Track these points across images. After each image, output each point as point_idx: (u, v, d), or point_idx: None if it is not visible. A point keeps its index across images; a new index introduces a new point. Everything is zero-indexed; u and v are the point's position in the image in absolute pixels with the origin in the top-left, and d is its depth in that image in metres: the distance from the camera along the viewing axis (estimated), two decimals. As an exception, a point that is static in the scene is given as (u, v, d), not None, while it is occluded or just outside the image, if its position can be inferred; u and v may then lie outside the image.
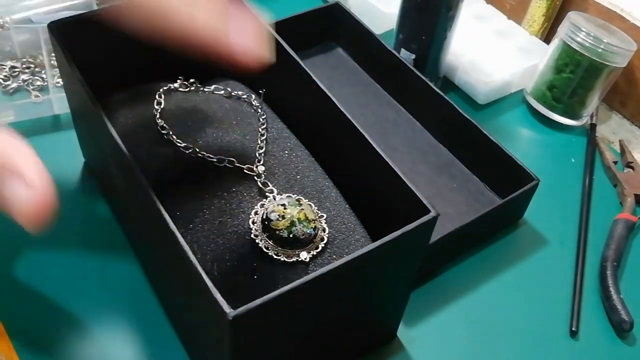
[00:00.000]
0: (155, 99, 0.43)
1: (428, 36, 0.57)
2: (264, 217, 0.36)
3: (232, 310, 0.27)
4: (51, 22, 0.41)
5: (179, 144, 0.40)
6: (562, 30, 0.57)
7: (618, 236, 0.50)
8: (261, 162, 0.40)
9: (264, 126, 0.43)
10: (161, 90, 0.44)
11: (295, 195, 0.37)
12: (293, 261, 0.35)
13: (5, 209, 0.30)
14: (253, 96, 0.46)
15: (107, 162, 0.41)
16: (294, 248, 0.35)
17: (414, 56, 0.59)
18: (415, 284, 0.46)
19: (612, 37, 0.56)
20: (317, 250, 0.36)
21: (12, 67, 0.56)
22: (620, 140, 0.60)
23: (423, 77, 0.56)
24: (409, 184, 0.34)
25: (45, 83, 0.55)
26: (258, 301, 0.28)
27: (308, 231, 0.35)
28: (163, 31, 0.32)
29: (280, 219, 0.35)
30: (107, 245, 0.46)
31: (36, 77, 0.56)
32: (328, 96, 0.39)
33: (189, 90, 0.45)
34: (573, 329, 0.45)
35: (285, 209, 0.36)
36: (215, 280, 0.35)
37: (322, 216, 0.38)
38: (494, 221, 0.49)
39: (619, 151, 0.60)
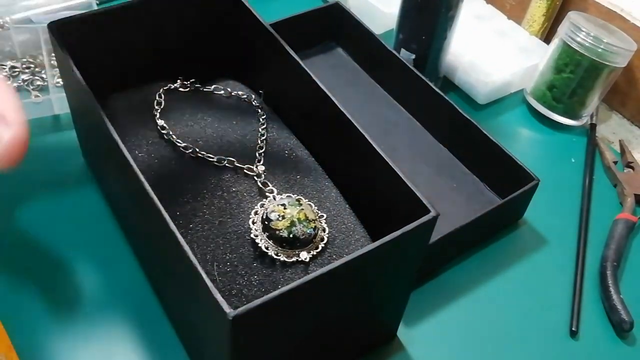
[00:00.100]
0: (156, 99, 0.43)
1: (428, 36, 0.57)
2: (264, 217, 0.36)
3: (232, 310, 0.27)
4: (51, 22, 0.41)
5: (179, 144, 0.40)
6: (562, 30, 0.57)
7: (618, 236, 0.50)
8: (261, 162, 0.40)
9: (264, 126, 0.43)
10: (161, 90, 0.44)
11: (295, 195, 0.38)
12: (293, 261, 0.35)
13: None
14: (253, 96, 0.46)
15: (107, 162, 0.42)
16: (294, 248, 0.35)
17: (414, 56, 0.59)
18: (415, 284, 0.46)
19: (612, 37, 0.56)
20: (317, 250, 0.36)
21: (12, 67, 0.56)
22: (620, 140, 0.60)
23: (423, 77, 0.56)
24: (409, 184, 0.34)
25: (45, 83, 0.55)
26: (258, 301, 0.28)
27: (308, 231, 0.35)
28: None
29: (280, 219, 0.35)
30: (107, 245, 0.46)
31: (36, 77, 0.56)
32: (328, 96, 0.39)
33: (189, 90, 0.45)
34: (573, 329, 0.45)
35: (285, 209, 0.36)
36: (215, 280, 0.35)
37: (322, 216, 0.38)
38: (494, 221, 0.49)
39: (619, 151, 0.60)
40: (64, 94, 0.49)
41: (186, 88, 0.45)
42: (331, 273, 0.30)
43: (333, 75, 0.61)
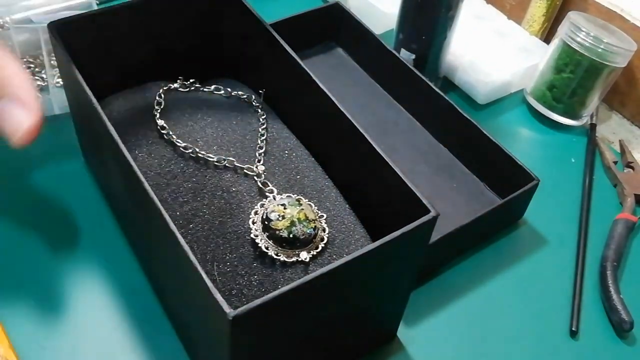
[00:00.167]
0: (156, 99, 0.43)
1: (428, 36, 0.57)
2: (264, 217, 0.36)
3: (232, 310, 0.27)
4: (51, 22, 0.41)
5: (179, 144, 0.40)
6: (562, 30, 0.57)
7: (618, 236, 0.50)
8: (261, 162, 0.40)
9: (264, 126, 0.43)
10: (161, 90, 0.44)
11: (295, 195, 0.38)
12: (293, 261, 0.35)
13: None
14: (253, 96, 0.46)
15: (106, 162, 0.41)
16: (294, 248, 0.35)
17: (414, 56, 0.59)
18: (415, 284, 0.46)
19: (612, 37, 0.56)
20: (317, 250, 0.36)
21: (12, 67, 0.56)
22: (620, 140, 0.60)
23: (423, 77, 0.56)
24: (409, 184, 0.34)
25: (45, 83, 0.55)
26: (258, 301, 0.28)
27: (308, 231, 0.35)
28: None
29: (280, 219, 0.35)
30: (107, 245, 0.46)
31: (36, 77, 0.56)
32: (328, 96, 0.39)
33: (189, 90, 0.45)
34: (573, 329, 0.45)
35: (285, 208, 0.36)
36: (215, 280, 0.35)
37: (322, 216, 0.38)
38: (494, 221, 0.49)
39: (619, 151, 0.60)
40: (64, 94, 0.49)
41: (186, 88, 0.45)
42: (331, 273, 0.30)
43: (333, 75, 0.61)
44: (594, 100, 0.59)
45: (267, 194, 0.38)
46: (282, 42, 0.42)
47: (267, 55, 0.44)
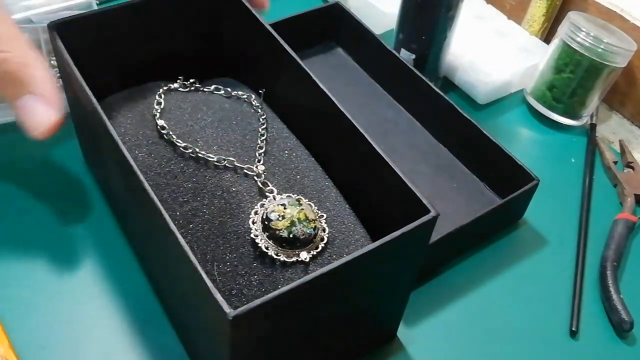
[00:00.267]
0: (156, 99, 0.43)
1: (428, 36, 0.57)
2: (264, 217, 0.36)
3: (232, 310, 0.27)
4: (51, 22, 0.41)
5: (178, 144, 0.40)
6: (562, 30, 0.57)
7: (618, 236, 0.50)
8: (261, 162, 0.40)
9: (264, 126, 0.43)
10: (161, 90, 0.44)
11: (295, 195, 0.38)
12: (293, 261, 0.35)
13: (21, 119, 0.36)
14: (253, 96, 0.46)
15: (106, 162, 0.42)
16: (294, 248, 0.35)
17: (414, 56, 0.59)
18: (415, 284, 0.46)
19: (612, 37, 0.56)
20: (317, 250, 0.36)
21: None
22: (620, 140, 0.60)
23: (423, 77, 0.56)
24: (409, 184, 0.34)
25: (45, 83, 0.55)
26: (258, 301, 0.28)
27: (308, 231, 0.35)
28: None
29: (280, 219, 0.35)
30: (107, 245, 0.46)
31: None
32: (328, 96, 0.39)
33: (189, 90, 0.45)
34: (573, 329, 0.45)
35: (285, 208, 0.36)
36: (215, 280, 0.35)
37: (322, 216, 0.38)
38: (494, 221, 0.49)
39: (619, 151, 0.60)
40: (64, 94, 0.49)
41: (186, 88, 0.45)
42: (331, 273, 0.30)
43: (333, 75, 0.61)
44: (594, 100, 0.59)
45: (267, 194, 0.38)
46: (282, 42, 0.42)
47: (267, 55, 0.44)
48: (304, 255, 0.35)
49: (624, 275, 0.49)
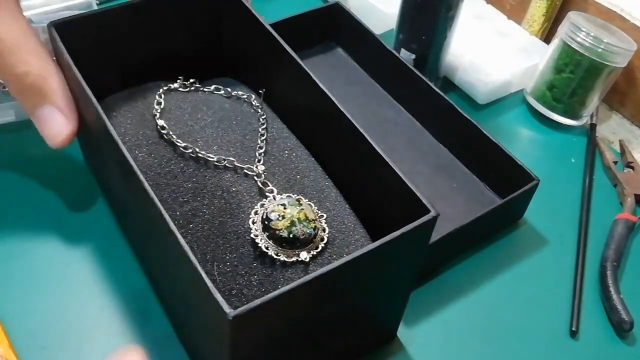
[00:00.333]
0: (156, 98, 0.43)
1: (428, 36, 0.57)
2: (264, 216, 0.36)
3: (232, 310, 0.27)
4: (51, 22, 0.41)
5: (178, 144, 0.40)
6: (562, 30, 0.57)
7: (618, 236, 0.50)
8: (261, 162, 0.40)
9: (264, 126, 0.43)
10: (161, 90, 0.44)
11: (295, 195, 0.37)
12: (293, 261, 0.35)
13: (39, 128, 0.39)
14: (253, 96, 0.46)
15: (106, 162, 0.42)
16: (294, 248, 0.35)
17: (414, 56, 0.59)
18: (415, 284, 0.46)
19: (612, 37, 0.56)
20: (317, 250, 0.36)
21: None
22: (620, 140, 0.60)
23: (423, 77, 0.56)
24: (409, 184, 0.34)
25: (45, 83, 0.55)
26: (258, 301, 0.28)
27: (308, 231, 0.35)
28: None
29: (280, 219, 0.35)
30: (107, 244, 0.46)
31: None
32: (328, 96, 0.39)
33: (189, 90, 0.45)
34: (573, 329, 0.45)
35: (285, 208, 0.36)
36: (215, 280, 0.35)
37: (322, 216, 0.38)
38: (494, 221, 0.49)
39: (619, 151, 0.60)
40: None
41: (186, 88, 0.45)
42: (331, 273, 0.30)
43: (333, 75, 0.61)
44: (594, 100, 0.59)
45: (267, 193, 0.38)
46: (282, 42, 0.42)
47: (267, 55, 0.44)
48: (304, 255, 0.35)
49: (624, 275, 0.49)
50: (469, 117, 0.53)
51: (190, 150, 0.39)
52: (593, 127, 0.61)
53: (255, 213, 0.37)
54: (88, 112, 0.39)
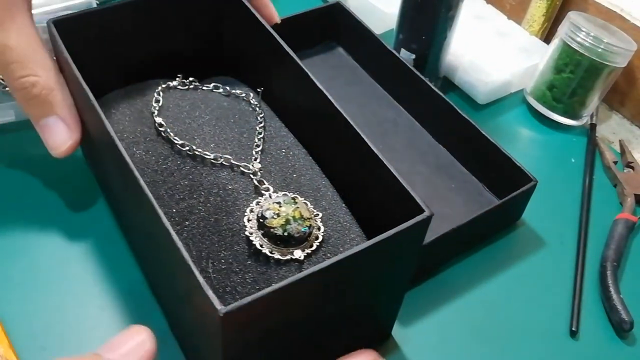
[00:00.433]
0: (154, 96, 0.43)
1: (428, 36, 0.57)
2: (259, 214, 0.36)
3: (223, 307, 0.27)
4: (51, 20, 0.41)
5: (176, 142, 0.40)
6: (562, 30, 0.57)
7: (618, 236, 0.50)
8: (257, 160, 0.40)
9: (262, 124, 0.43)
10: (160, 88, 0.44)
11: (290, 194, 0.38)
12: (287, 259, 0.35)
13: (43, 138, 0.40)
14: (251, 95, 0.46)
15: (105, 160, 0.42)
16: (289, 246, 0.35)
17: (414, 56, 0.59)
18: (410, 284, 0.46)
19: (612, 37, 0.56)
20: (312, 249, 0.36)
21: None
22: (620, 140, 0.60)
23: (423, 77, 0.56)
24: (404, 184, 0.34)
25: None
26: (249, 298, 0.28)
27: (303, 229, 0.35)
28: None
29: (275, 217, 0.35)
30: (108, 244, 0.46)
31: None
32: (325, 95, 0.39)
33: (188, 88, 0.45)
34: (573, 329, 0.45)
35: (280, 207, 0.36)
36: (210, 278, 0.35)
37: (318, 215, 0.38)
38: (492, 221, 0.49)
39: (619, 151, 0.59)
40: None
41: (185, 86, 0.45)
42: (323, 271, 0.30)
43: (333, 75, 0.61)
44: (594, 100, 0.59)
45: (263, 192, 0.38)
46: (281, 42, 0.42)
47: (266, 55, 0.44)
48: (298, 254, 0.35)
49: (624, 275, 0.49)
50: (468, 118, 0.53)
51: (187, 148, 0.40)
52: (593, 127, 0.60)
53: (251, 211, 0.37)
54: (86, 110, 0.39)
